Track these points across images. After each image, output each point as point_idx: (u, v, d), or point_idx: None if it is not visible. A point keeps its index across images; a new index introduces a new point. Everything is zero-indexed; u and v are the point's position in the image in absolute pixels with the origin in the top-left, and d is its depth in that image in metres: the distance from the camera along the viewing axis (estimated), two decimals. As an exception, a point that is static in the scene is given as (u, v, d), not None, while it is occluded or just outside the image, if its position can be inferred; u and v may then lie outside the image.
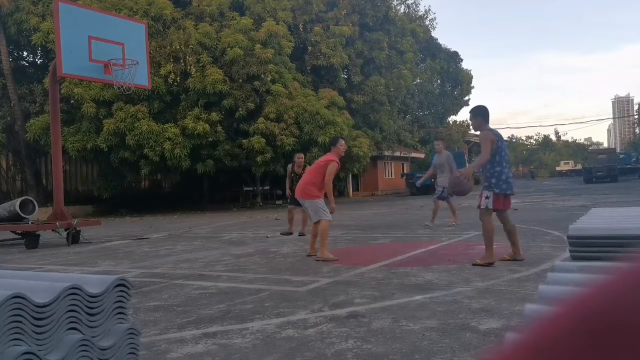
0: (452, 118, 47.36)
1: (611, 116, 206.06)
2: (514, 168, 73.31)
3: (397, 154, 33.76)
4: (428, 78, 40.07)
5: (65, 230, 10.17)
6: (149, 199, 23.96)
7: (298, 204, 9.20)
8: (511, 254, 5.85)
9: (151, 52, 16.62)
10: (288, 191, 10.53)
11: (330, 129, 20.85)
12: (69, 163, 25.10)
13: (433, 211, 10.38)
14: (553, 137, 79.91)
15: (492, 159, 5.60)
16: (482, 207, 5.67)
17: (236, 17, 21.72)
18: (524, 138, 78.93)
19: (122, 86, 11.09)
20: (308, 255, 6.97)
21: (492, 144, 5.56)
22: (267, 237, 9.78)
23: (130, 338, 2.48)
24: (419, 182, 11.38)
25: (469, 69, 45.70)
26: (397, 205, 19.37)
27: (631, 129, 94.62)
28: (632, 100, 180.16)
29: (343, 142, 7.25)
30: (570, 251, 2.52)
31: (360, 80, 26.27)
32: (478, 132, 5.96)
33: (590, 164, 35.20)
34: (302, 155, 10.52)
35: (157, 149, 18.74)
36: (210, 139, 19.41)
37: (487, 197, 5.62)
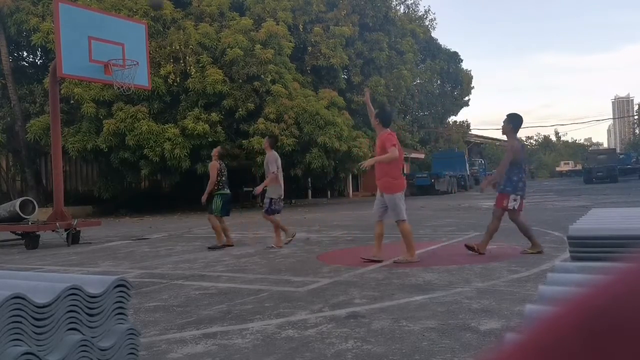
0: (452, 118, 47.39)
1: (611, 116, 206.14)
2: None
3: (397, 154, 33.71)
4: (428, 78, 40.08)
5: (65, 230, 10.17)
6: (148, 199, 23.92)
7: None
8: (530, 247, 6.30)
9: (151, 52, 16.61)
10: (207, 195, 8.71)
11: (330, 129, 20.84)
12: (69, 163, 25.08)
13: (275, 230, 8.40)
14: (553, 138, 79.85)
15: (518, 167, 6.23)
16: (509, 208, 6.20)
17: (236, 17, 21.71)
18: (523, 138, 78.93)
19: (122, 86, 11.10)
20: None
21: (515, 154, 6.18)
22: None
23: (130, 338, 2.49)
24: (255, 191, 9.48)
25: (469, 69, 45.74)
26: (397, 206, 19.34)
27: (631, 129, 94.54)
28: (632, 100, 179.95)
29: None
30: (570, 252, 2.52)
31: (360, 80, 26.26)
32: (504, 137, 6.55)
33: (590, 164, 35.20)
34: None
35: (157, 149, 18.72)
36: (210, 140, 19.38)
37: (514, 200, 6.19)
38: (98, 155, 20.37)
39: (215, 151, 9.21)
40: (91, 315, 2.34)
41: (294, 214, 17.00)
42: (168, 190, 26.31)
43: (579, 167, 54.36)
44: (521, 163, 6.26)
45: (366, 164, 6.19)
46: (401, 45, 29.01)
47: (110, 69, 10.63)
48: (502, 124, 6.44)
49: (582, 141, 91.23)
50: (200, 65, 20.12)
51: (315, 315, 3.90)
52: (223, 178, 8.76)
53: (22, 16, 20.74)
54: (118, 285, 2.47)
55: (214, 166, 8.81)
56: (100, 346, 2.32)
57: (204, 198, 8.77)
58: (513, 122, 6.33)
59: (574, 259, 2.39)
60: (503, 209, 6.23)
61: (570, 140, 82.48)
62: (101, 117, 19.13)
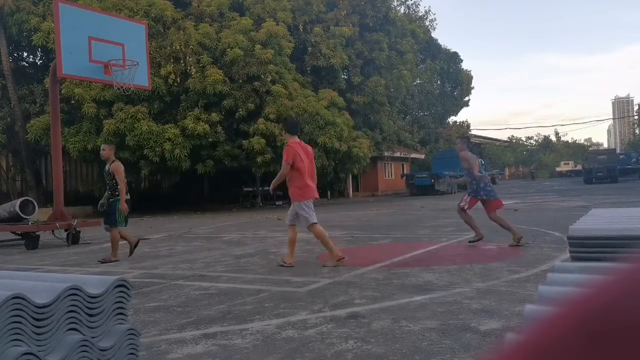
0: (452, 118, 47.40)
1: (611, 117, 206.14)
2: (513, 169, 73.38)
3: (397, 154, 33.78)
4: (428, 79, 40.08)
5: (65, 230, 10.17)
6: (148, 199, 23.93)
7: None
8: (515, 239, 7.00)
9: (151, 52, 16.62)
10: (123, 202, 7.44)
11: (330, 130, 20.85)
12: (69, 164, 25.09)
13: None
14: (553, 138, 79.69)
15: (470, 173, 7.39)
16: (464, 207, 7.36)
17: (236, 17, 21.73)
18: (523, 139, 78.78)
19: (122, 87, 11.10)
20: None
21: (471, 163, 7.40)
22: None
23: (130, 339, 2.49)
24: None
25: (468, 70, 45.76)
26: (397, 206, 19.37)
27: (631, 130, 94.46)
28: (632, 100, 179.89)
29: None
30: (571, 252, 2.52)
31: (360, 80, 26.27)
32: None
33: (590, 164, 35.20)
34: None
35: (157, 149, 18.73)
36: (210, 140, 19.40)
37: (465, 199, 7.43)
38: (98, 155, 20.33)
39: (109, 150, 7.69)
40: (91, 316, 2.34)
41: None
42: (168, 191, 26.35)
43: (579, 167, 54.35)
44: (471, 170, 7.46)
45: (271, 188, 6.41)
46: (401, 45, 29.01)
47: (110, 69, 10.63)
48: (457, 145, 7.99)
49: (582, 141, 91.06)
50: (200, 65, 20.12)
51: (315, 315, 3.90)
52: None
53: (22, 16, 20.76)
54: (118, 286, 2.47)
55: (120, 167, 7.47)
56: (100, 346, 2.32)
57: (123, 206, 7.44)
58: (467, 143, 7.95)
59: (574, 259, 2.39)
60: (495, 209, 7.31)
61: (570, 141, 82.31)
62: (101, 117, 19.14)
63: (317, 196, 6.34)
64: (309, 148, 6.41)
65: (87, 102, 18.92)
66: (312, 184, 6.19)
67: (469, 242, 7.35)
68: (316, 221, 6.10)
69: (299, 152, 6.10)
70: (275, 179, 6.30)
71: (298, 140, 6.30)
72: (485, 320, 3.53)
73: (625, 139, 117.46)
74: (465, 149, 7.83)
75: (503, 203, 7.72)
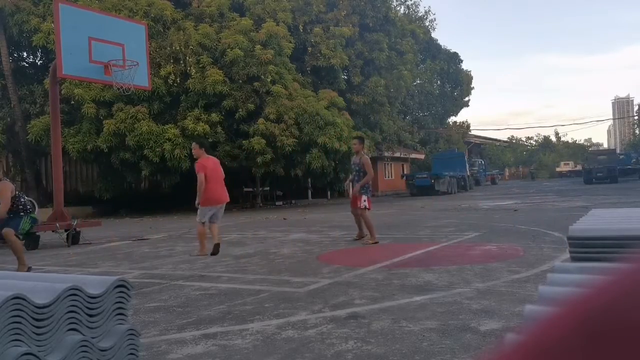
0: (452, 119, 47.39)
1: (611, 117, 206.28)
2: (514, 169, 73.45)
3: (397, 154, 33.76)
4: (428, 79, 40.10)
5: (65, 231, 10.17)
6: (148, 199, 23.93)
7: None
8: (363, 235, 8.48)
9: (151, 53, 16.62)
10: (9, 208, 6.79)
11: (330, 130, 20.84)
12: (69, 164, 25.09)
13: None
14: (553, 138, 79.62)
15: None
16: (362, 207, 8.23)
17: (236, 18, 21.73)
18: (523, 139, 78.62)
19: (122, 87, 11.10)
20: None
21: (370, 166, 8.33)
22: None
23: (130, 339, 2.49)
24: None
25: (469, 70, 45.78)
26: (397, 206, 19.37)
27: (631, 130, 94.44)
28: (632, 101, 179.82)
29: None
30: (570, 252, 2.52)
31: (360, 81, 26.27)
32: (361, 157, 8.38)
33: (590, 164, 35.20)
34: None
35: (157, 149, 18.73)
36: (210, 140, 19.39)
37: (365, 201, 8.25)
38: (98, 155, 20.38)
39: None
40: (91, 316, 2.34)
41: (295, 214, 17.00)
42: (168, 191, 26.34)
43: (579, 167, 54.31)
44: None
45: (197, 202, 7.57)
46: (401, 45, 29.01)
47: (110, 69, 10.63)
48: (354, 145, 8.65)
49: (582, 142, 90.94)
50: (200, 65, 20.12)
51: (315, 315, 3.90)
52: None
53: (23, 16, 20.77)
54: (118, 286, 2.47)
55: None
56: (100, 347, 2.32)
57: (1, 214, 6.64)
58: (362, 141, 8.61)
59: (574, 259, 2.39)
60: (361, 207, 8.29)
61: (570, 141, 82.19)
62: (101, 117, 19.15)
63: (227, 200, 7.73)
64: (217, 161, 8.00)
65: (87, 103, 18.92)
66: (220, 191, 7.57)
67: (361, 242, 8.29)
68: (204, 222, 7.53)
69: (209, 167, 7.51)
70: (198, 192, 7.50)
71: (207, 156, 7.79)
72: (485, 320, 3.53)
73: (625, 139, 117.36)
74: (362, 149, 8.47)
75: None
